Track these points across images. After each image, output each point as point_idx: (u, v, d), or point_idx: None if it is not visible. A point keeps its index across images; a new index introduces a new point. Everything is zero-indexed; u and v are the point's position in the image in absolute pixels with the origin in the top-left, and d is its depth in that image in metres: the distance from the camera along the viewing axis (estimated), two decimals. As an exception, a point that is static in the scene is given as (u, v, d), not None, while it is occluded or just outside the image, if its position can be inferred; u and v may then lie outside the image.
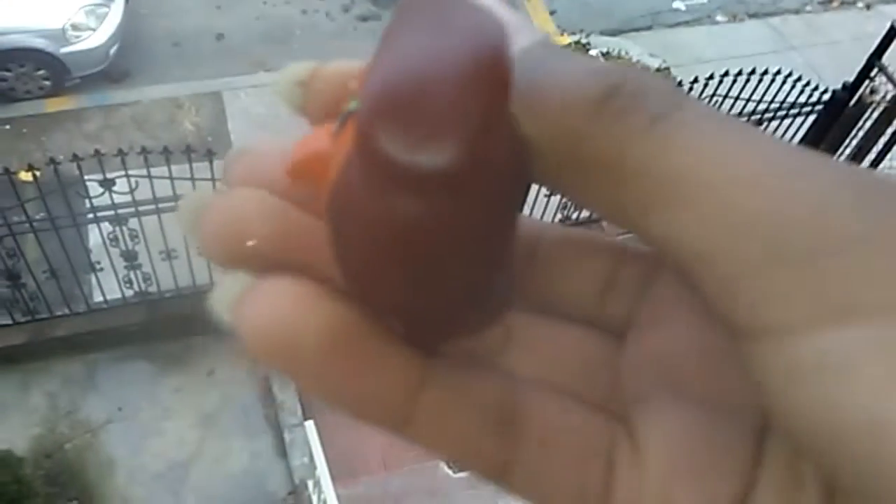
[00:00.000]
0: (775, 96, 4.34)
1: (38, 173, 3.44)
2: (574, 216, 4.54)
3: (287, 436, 4.18)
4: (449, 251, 0.17)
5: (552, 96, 0.18)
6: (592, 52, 6.16)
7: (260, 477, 4.11)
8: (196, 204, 0.21)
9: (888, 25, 4.13)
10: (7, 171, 3.45)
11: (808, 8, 7.22)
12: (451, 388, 0.22)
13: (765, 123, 4.36)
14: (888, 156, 4.50)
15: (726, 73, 4.08)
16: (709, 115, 0.17)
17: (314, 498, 3.80)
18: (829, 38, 6.87)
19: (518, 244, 0.22)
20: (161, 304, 4.32)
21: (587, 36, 6.55)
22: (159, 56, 6.20)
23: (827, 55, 6.53)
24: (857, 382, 0.15)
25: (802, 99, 4.40)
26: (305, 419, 4.17)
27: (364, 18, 6.85)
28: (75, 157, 3.42)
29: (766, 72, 4.18)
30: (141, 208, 3.76)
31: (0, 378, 4.14)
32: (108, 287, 4.16)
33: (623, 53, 6.29)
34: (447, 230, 0.17)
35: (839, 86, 4.45)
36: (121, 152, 3.45)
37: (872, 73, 4.28)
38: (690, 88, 3.95)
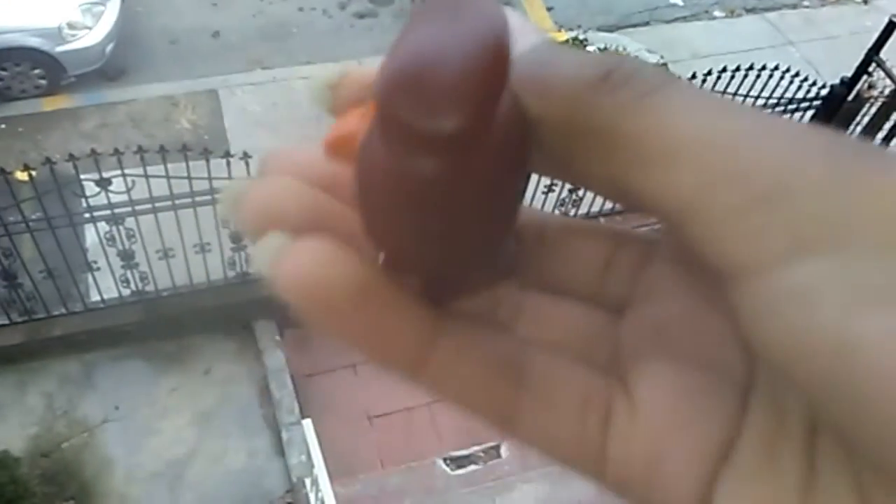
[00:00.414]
0: (773, 92, 4.33)
1: (33, 173, 3.43)
2: (571, 214, 4.54)
3: (284, 434, 4.18)
4: (457, 208, 0.20)
5: (557, 79, 0.21)
6: (590, 48, 6.15)
7: (257, 475, 4.11)
8: (236, 190, 0.24)
9: (886, 20, 4.12)
10: (3, 170, 3.44)
11: (806, 3, 7.20)
12: (463, 339, 0.25)
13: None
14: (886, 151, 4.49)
15: (724, 69, 4.07)
16: (692, 89, 0.20)
17: (312, 496, 3.79)
18: (827, 33, 6.86)
19: (526, 229, 0.26)
20: (158, 303, 4.31)
21: (584, 32, 6.54)
22: (155, 54, 6.19)
23: (824, 50, 6.52)
24: (823, 308, 0.17)
25: (800, 94, 4.40)
26: (303, 417, 4.17)
27: (361, 16, 6.83)
28: (71, 157, 3.41)
29: (763, 67, 4.17)
30: (137, 208, 3.76)
31: (-3, 378, 4.15)
32: (104, 286, 4.15)
33: (620, 49, 6.27)
34: (455, 187, 0.20)
35: (837, 81, 4.45)
36: (117, 151, 3.44)
37: (870, 68, 4.28)
38: (687, 84, 3.93)
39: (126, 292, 4.22)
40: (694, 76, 4.04)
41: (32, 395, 4.19)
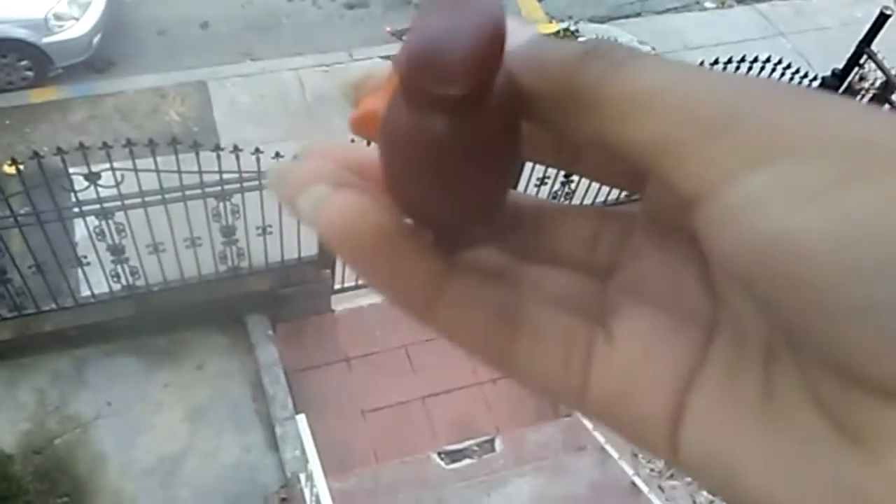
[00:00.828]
0: (765, 83, 4.33)
1: (21, 167, 3.39)
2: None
3: (278, 429, 4.17)
4: (462, 161, 0.25)
5: (549, 59, 0.25)
6: (581, 40, 6.14)
7: (251, 471, 4.10)
8: (282, 168, 0.29)
9: (877, 12, 4.13)
10: (-10, 165, 3.40)
11: (797, -7, 7.21)
12: (468, 288, 0.29)
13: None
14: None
15: (716, 61, 4.05)
16: (658, 58, 0.24)
17: (306, 491, 3.79)
18: (818, 24, 6.87)
19: (526, 210, 0.32)
20: (149, 297, 4.29)
21: (576, 23, 6.53)
22: (144, 45, 6.13)
23: (815, 41, 6.53)
24: (768, 210, 0.20)
25: (792, 86, 4.40)
26: (296, 412, 4.16)
27: (350, 6, 6.78)
28: (59, 151, 3.37)
29: (755, 59, 4.17)
30: (127, 202, 3.72)
31: (-13, 374, 4.11)
32: (95, 281, 4.12)
33: (612, 40, 6.27)
34: (460, 142, 0.24)
35: (828, 72, 4.46)
36: (105, 145, 3.40)
37: (862, 60, 4.28)
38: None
39: (116, 287, 4.19)
40: (686, 68, 4.03)
41: (24, 392, 4.16)
